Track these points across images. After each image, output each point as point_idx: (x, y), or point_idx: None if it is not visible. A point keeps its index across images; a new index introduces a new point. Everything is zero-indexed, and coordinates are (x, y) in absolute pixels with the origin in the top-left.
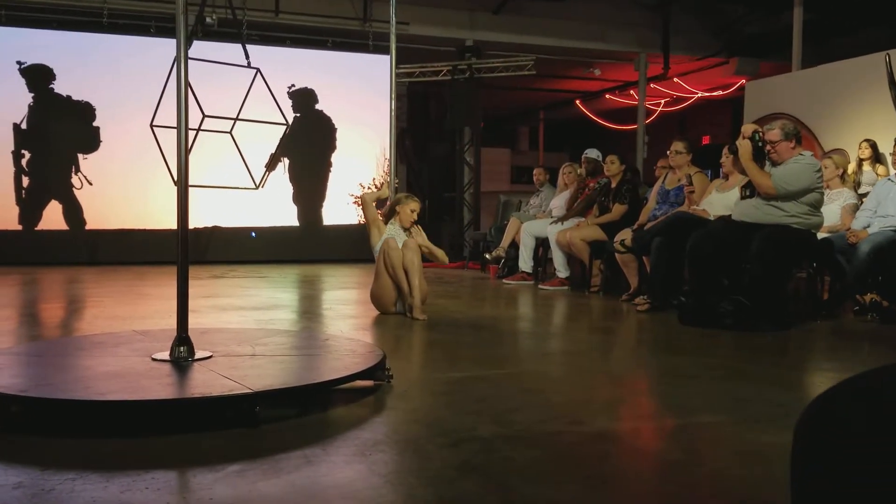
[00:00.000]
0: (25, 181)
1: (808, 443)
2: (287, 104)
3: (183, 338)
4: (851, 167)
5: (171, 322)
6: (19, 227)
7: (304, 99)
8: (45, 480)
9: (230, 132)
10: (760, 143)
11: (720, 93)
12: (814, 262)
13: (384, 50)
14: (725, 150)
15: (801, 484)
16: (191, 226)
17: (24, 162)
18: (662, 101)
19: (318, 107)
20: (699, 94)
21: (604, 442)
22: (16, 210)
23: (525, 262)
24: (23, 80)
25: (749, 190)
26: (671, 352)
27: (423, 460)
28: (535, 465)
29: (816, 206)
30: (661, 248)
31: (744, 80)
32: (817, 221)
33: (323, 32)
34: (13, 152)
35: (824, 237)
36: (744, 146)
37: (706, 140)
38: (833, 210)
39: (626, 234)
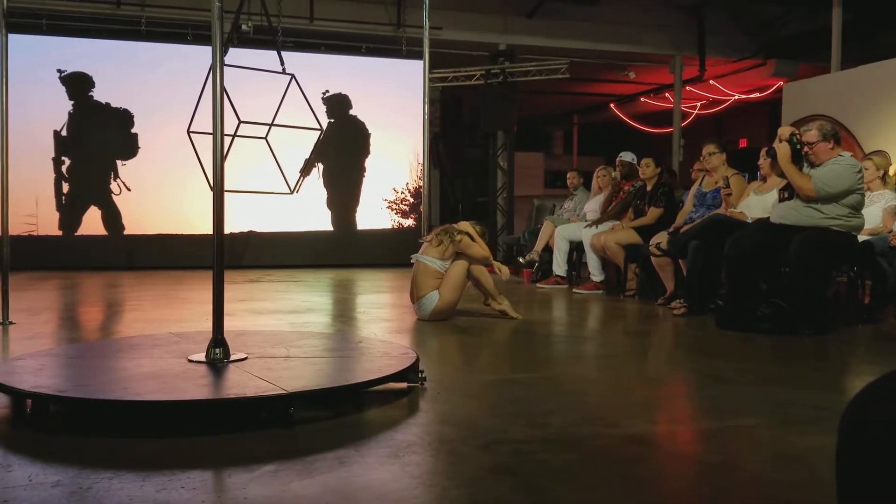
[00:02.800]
0: (65, 187)
1: (852, 435)
2: (321, 110)
3: (218, 340)
4: (893, 168)
5: (207, 325)
6: (59, 233)
7: (338, 104)
8: (82, 479)
9: (265, 138)
10: (798, 146)
11: (757, 95)
12: (854, 266)
13: (417, 55)
14: (763, 152)
15: (846, 477)
16: (227, 231)
17: (64, 168)
18: (698, 104)
19: (351, 112)
20: (736, 97)
21: (640, 445)
22: (56, 216)
23: (559, 266)
24: (63, 88)
25: (788, 192)
26: (708, 356)
27: (457, 462)
28: (570, 467)
29: (857, 207)
30: (698, 251)
31: (781, 82)
32: (858, 223)
33: (356, 38)
34: (53, 159)
35: (865, 240)
36: (782, 149)
37: (744, 143)
38: (874, 212)
39: (661, 238)
